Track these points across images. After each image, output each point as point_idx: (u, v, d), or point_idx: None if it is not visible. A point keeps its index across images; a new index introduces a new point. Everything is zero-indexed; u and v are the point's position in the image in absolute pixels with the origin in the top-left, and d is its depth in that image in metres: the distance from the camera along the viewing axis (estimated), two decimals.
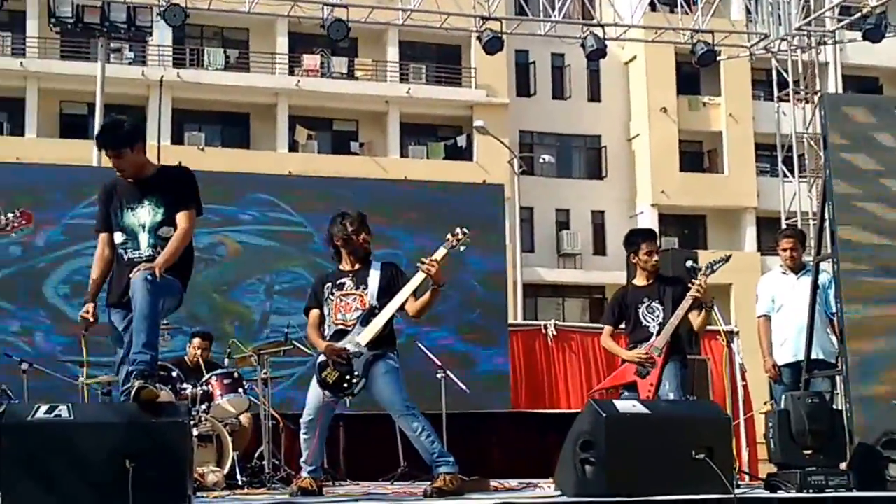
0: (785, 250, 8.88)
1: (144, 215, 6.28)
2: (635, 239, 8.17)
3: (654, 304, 7.95)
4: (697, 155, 37.39)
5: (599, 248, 35.30)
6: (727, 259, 8.06)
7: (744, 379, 13.64)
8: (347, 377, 6.96)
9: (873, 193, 7.90)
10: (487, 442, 10.97)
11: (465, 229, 7.25)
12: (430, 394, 10.07)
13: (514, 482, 8.23)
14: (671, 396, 7.69)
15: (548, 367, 13.63)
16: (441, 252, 7.10)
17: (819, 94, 7.72)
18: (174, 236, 6.21)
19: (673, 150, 35.81)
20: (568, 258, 35.52)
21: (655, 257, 8.06)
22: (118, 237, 6.33)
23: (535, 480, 8.14)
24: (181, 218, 6.26)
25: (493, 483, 7.92)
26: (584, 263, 35.00)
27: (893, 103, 8.07)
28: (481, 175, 29.20)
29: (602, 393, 8.25)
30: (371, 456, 10.06)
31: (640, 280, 8.14)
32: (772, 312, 8.95)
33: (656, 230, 34.72)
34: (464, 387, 10.41)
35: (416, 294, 7.11)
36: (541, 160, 34.86)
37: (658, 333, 7.85)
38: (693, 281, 7.79)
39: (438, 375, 10.22)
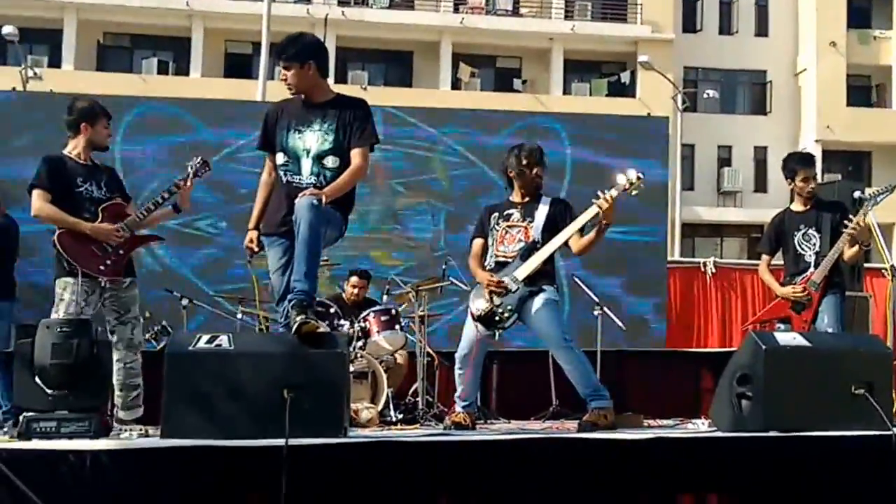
0: None
1: (311, 140, 6.16)
2: (792, 164, 8.01)
3: (810, 231, 7.83)
4: (865, 90, 36.31)
5: (761, 185, 34.66)
6: (892, 188, 7.82)
7: None
8: (499, 310, 6.96)
9: None
10: (641, 380, 10.91)
11: (640, 174, 7.16)
12: (587, 331, 10.10)
13: (668, 421, 8.21)
14: (830, 331, 7.56)
15: (706, 306, 13.51)
16: (614, 191, 7.00)
17: None
18: (347, 171, 6.07)
19: (840, 86, 34.82)
20: (728, 196, 34.96)
21: (812, 184, 7.92)
22: (280, 158, 6.22)
23: (691, 420, 8.08)
24: (356, 155, 6.11)
25: (647, 421, 7.93)
26: (745, 201, 34.43)
27: None
28: (644, 112, 28.92)
29: (756, 326, 8.14)
30: (523, 395, 10.07)
31: (797, 206, 8.00)
32: None
33: (820, 167, 34.08)
34: (620, 324, 10.41)
35: (581, 231, 7.07)
36: (705, 96, 34.24)
37: (815, 264, 7.72)
38: (851, 217, 7.62)
39: (595, 312, 10.22)
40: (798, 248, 7.87)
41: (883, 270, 10.22)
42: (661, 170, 12.46)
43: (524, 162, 7.22)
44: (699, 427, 7.01)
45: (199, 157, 7.30)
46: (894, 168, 34.83)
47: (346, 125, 6.16)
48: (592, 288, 10.49)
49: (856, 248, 7.71)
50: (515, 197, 7.32)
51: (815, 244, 7.82)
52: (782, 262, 8.07)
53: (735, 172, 34.85)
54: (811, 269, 7.75)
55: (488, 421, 8.62)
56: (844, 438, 5.83)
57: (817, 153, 33.71)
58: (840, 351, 6.36)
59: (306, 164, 6.18)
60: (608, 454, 5.61)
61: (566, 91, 33.95)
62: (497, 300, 6.97)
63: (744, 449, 5.75)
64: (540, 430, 7.30)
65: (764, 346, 5.97)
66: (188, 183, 7.16)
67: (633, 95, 33.50)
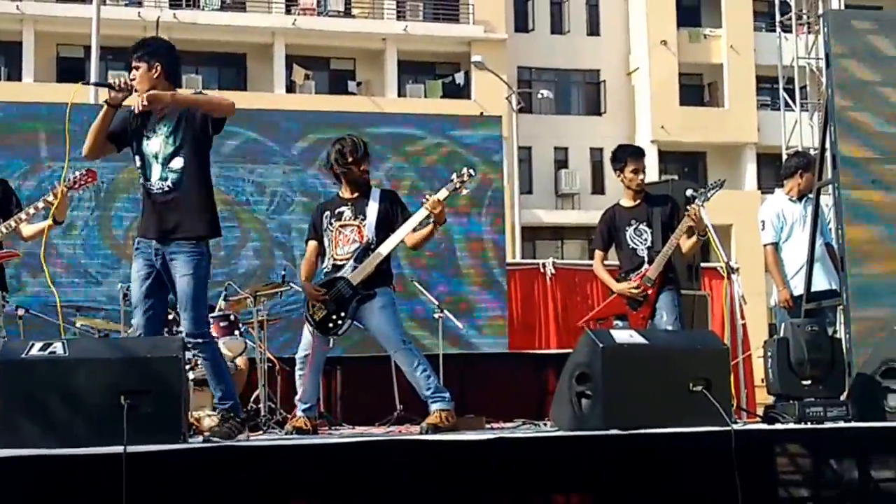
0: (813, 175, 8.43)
1: (158, 145, 6.08)
2: (622, 156, 8.04)
3: (641, 226, 7.87)
4: (698, 88, 37.18)
5: (598, 186, 35.19)
6: (721, 184, 7.93)
7: (743, 317, 13.52)
8: (333, 316, 6.91)
9: (875, 109, 7.74)
10: (483, 382, 10.89)
11: (471, 171, 7.18)
12: (427, 333, 10.02)
13: (510, 423, 8.19)
14: (668, 328, 7.63)
15: (545, 307, 13.55)
16: (444, 192, 7.01)
17: (822, 14, 7.54)
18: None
19: (673, 84, 35.59)
20: (566, 198, 35.40)
21: (641, 176, 7.97)
22: (136, 162, 6.17)
23: (534, 421, 8.08)
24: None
25: (490, 423, 7.89)
26: (583, 203, 34.87)
27: None
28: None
29: (592, 322, 8.16)
30: (367, 400, 9.99)
31: (626, 201, 8.04)
32: (780, 240, 8.66)
33: (656, 167, 34.86)
34: (460, 325, 10.36)
35: (414, 229, 7.05)
36: (539, 96, 34.61)
37: (649, 259, 7.77)
38: (688, 208, 7.67)
39: (436, 315, 10.15)
40: (630, 243, 7.90)
41: (719, 268, 10.37)
42: (497, 172, 12.49)
43: (349, 158, 7.11)
44: (542, 428, 6.99)
45: (85, 170, 7.22)
46: (729, 167, 35.73)
47: (188, 126, 6.08)
48: (432, 290, 10.42)
49: (693, 238, 7.79)
50: (345, 193, 7.23)
51: (646, 239, 7.87)
52: (616, 260, 8.11)
53: (572, 174, 35.30)
54: (645, 265, 7.80)
55: (333, 427, 8.50)
56: (684, 435, 5.84)
57: (653, 154, 34.44)
58: (677, 348, 6.37)
59: (156, 169, 6.10)
60: (449, 456, 5.52)
61: (401, 93, 33.97)
62: (331, 306, 6.88)
63: (585, 448, 5.73)
64: (383, 434, 7.22)
65: (601, 345, 5.94)
66: (59, 194, 6.92)
67: (469, 96, 33.69)
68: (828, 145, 7.69)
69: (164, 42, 6.37)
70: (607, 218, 8.08)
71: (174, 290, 6.06)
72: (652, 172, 34.88)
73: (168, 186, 6.03)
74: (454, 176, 7.12)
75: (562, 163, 35.82)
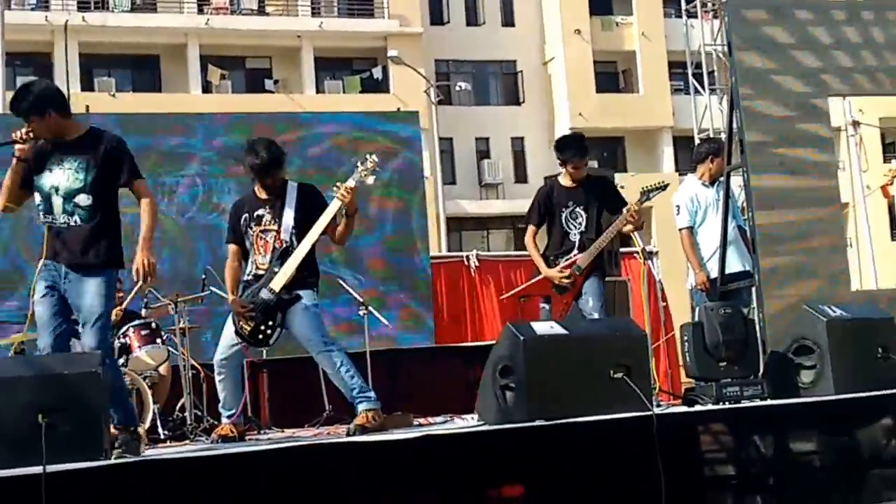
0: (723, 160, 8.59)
1: (61, 178, 5.99)
2: (566, 152, 8.05)
3: (578, 209, 7.91)
4: (613, 76, 37.52)
5: (521, 175, 35.35)
6: (664, 186, 8.04)
7: (664, 299, 13.72)
8: (262, 327, 6.89)
9: (777, 97, 7.93)
10: (412, 378, 10.90)
11: (374, 157, 7.15)
12: (353, 332, 10.01)
13: (439, 418, 8.22)
14: (595, 315, 7.69)
15: (472, 300, 13.58)
16: (352, 181, 6.97)
17: (724, 2, 7.70)
18: (146, 211, 6.09)
19: (588, 72, 35.86)
20: (490, 188, 35.51)
21: (583, 172, 8.03)
22: (36, 198, 6.08)
23: (462, 415, 8.10)
24: (140, 189, 6.15)
25: (417, 419, 7.91)
26: (507, 193, 35.02)
27: (793, 5, 8.00)
28: (400, 107, 29.16)
29: (515, 298, 8.21)
30: (296, 402, 9.92)
31: (566, 181, 8.06)
32: (695, 224, 8.75)
33: None
34: (386, 322, 10.34)
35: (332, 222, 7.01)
36: (457, 88, 34.71)
37: (580, 245, 7.82)
38: (627, 208, 7.77)
39: (361, 313, 10.12)
40: (564, 225, 7.93)
41: (635, 254, 10.50)
42: (417, 166, 12.51)
43: (264, 158, 6.99)
44: (468, 422, 7.02)
45: None
46: (646, 152, 36.14)
47: (100, 162, 6.02)
48: (356, 287, 10.41)
49: (629, 226, 7.84)
50: (261, 193, 7.14)
51: (580, 223, 7.90)
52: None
53: (494, 164, 35.42)
54: (575, 251, 7.84)
55: (261, 431, 8.46)
56: (607, 422, 5.92)
57: None
58: (597, 336, 6.47)
59: (57, 203, 6.02)
60: (376, 457, 5.53)
61: (319, 89, 33.84)
62: (259, 318, 6.87)
63: (511, 440, 5.77)
64: (312, 436, 7.20)
65: (522, 338, 5.99)
66: None
67: (387, 91, 33.65)
68: (735, 131, 7.86)
69: (41, 85, 6.20)
70: (544, 193, 8.08)
71: (78, 314, 6.00)
72: None
73: (74, 221, 5.99)
74: (359, 164, 7.10)
75: (483, 153, 35.93)
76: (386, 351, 10.69)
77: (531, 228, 8.10)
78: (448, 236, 30.95)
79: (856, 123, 16.32)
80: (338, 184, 6.95)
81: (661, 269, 14.16)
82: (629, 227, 7.80)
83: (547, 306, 7.92)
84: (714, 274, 8.53)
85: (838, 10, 8.12)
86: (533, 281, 8.03)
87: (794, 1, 8.02)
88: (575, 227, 7.91)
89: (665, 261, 14.56)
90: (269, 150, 7.01)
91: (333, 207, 6.95)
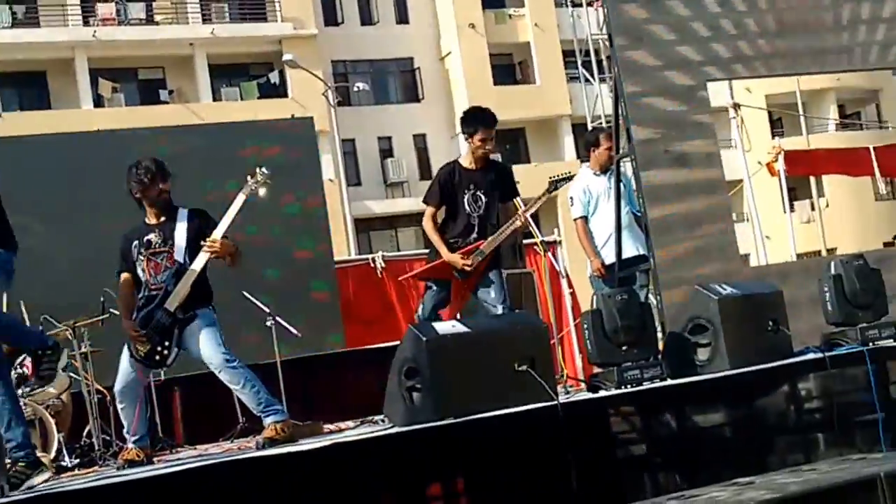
0: (608, 149, 8.75)
1: None
2: (472, 121, 7.88)
3: (479, 192, 7.78)
4: (509, 67, 37.79)
5: (425, 172, 35.42)
6: (570, 177, 8.15)
7: (570, 287, 13.88)
8: (158, 348, 6.81)
9: (659, 87, 8.11)
10: (325, 384, 10.88)
11: (263, 170, 7.09)
12: (262, 342, 9.97)
13: (351, 423, 8.24)
14: (499, 307, 7.68)
15: (381, 301, 13.58)
16: (242, 196, 6.97)
17: None
18: None
19: (485, 66, 36.10)
20: (395, 187, 35.56)
21: (489, 146, 7.82)
22: None
23: (373, 417, 8.11)
24: None
25: (328, 426, 7.92)
26: (413, 190, 35.06)
27: None
28: (299, 111, 29.09)
29: (415, 280, 8.11)
30: (209, 417, 9.79)
31: (467, 162, 7.91)
32: (589, 213, 8.99)
33: None
34: (294, 331, 10.31)
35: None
36: (355, 88, 34.68)
37: (479, 228, 7.76)
38: (522, 211, 7.82)
39: (268, 323, 10.08)
40: (466, 207, 7.79)
41: (535, 246, 10.63)
42: (315, 171, 12.50)
43: (146, 181, 6.92)
44: (379, 426, 7.05)
45: None
46: (548, 141, 36.46)
47: None
48: (261, 297, 10.36)
49: (518, 223, 7.82)
50: (150, 219, 7.06)
51: (481, 206, 7.79)
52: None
53: (398, 163, 35.47)
54: (475, 235, 7.76)
55: (173, 451, 8.39)
56: (516, 414, 6.01)
57: None
58: (498, 332, 6.56)
59: None
60: (287, 467, 5.54)
61: (216, 97, 33.56)
62: (154, 339, 6.81)
63: (422, 441, 5.83)
64: (223, 452, 7.17)
65: (425, 338, 6.05)
66: None
67: (286, 95, 33.53)
68: (621, 120, 8.04)
69: None
70: (446, 173, 7.90)
71: None
72: None
73: None
74: (249, 178, 7.06)
75: (387, 152, 35.97)
76: (296, 359, 10.64)
77: (430, 209, 7.87)
78: (357, 238, 30.92)
79: (736, 105, 16.66)
80: (202, 241, 6.85)
81: (568, 257, 14.33)
82: (518, 223, 7.83)
83: (434, 288, 7.85)
84: (609, 260, 8.73)
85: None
86: (435, 263, 7.85)
87: None
88: (476, 210, 7.79)
89: (571, 249, 14.72)
90: (147, 168, 6.93)
91: (224, 223, 6.87)
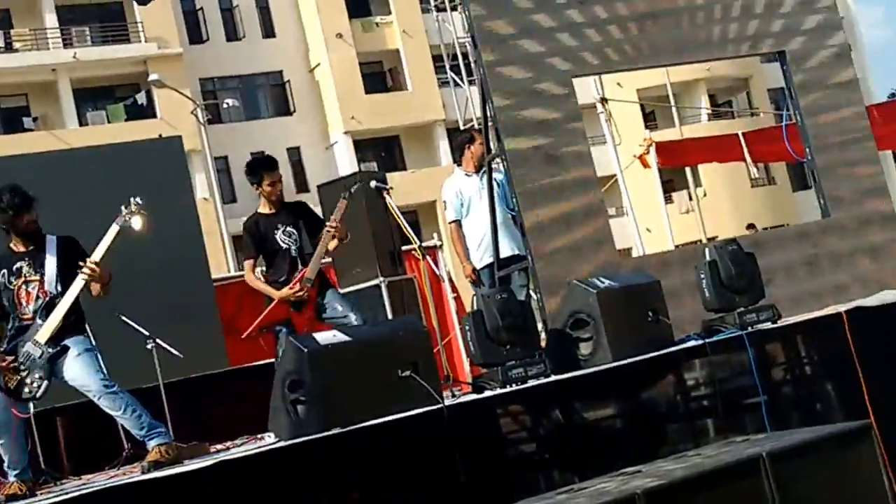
0: (482, 143, 8.79)
1: None
2: (257, 170, 8.14)
3: (289, 228, 8.01)
4: (380, 75, 37.86)
5: (301, 185, 35.30)
6: (383, 179, 8.27)
7: (455, 290, 13.90)
8: (28, 381, 6.66)
9: (524, 86, 8.15)
10: (209, 404, 10.73)
11: (137, 199, 7.05)
12: (144, 366, 9.80)
13: (238, 441, 8.15)
14: (352, 317, 7.80)
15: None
16: (115, 227, 6.88)
17: None
18: None
19: (355, 75, 36.12)
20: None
21: (279, 187, 8.12)
22: None
23: (260, 434, 8.04)
24: None
25: (215, 445, 7.83)
26: None
27: None
28: (169, 131, 28.75)
29: (255, 332, 8.24)
30: (94, 446, 9.63)
31: (265, 209, 8.14)
32: (462, 216, 9.05)
33: (354, 157, 35.32)
34: (176, 352, 10.17)
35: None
36: (225, 105, 34.41)
37: (301, 261, 7.95)
38: (329, 222, 7.93)
39: (149, 346, 9.93)
40: (282, 243, 8.00)
41: (414, 252, 10.63)
42: (187, 191, 12.34)
43: (9, 211, 6.78)
44: (265, 441, 7.00)
45: None
46: (422, 147, 36.58)
47: None
48: (139, 321, 10.19)
49: (335, 241, 7.98)
50: (18, 246, 6.92)
51: (295, 240, 8.01)
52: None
53: None
54: (300, 266, 7.94)
55: (58, 483, 8.21)
56: (402, 420, 6.00)
57: (348, 145, 34.82)
58: (380, 339, 6.54)
59: None
60: (173, 491, 5.46)
61: (82, 122, 33.02)
62: (23, 372, 6.64)
63: (309, 453, 5.78)
64: (110, 479, 7.04)
65: (306, 350, 6.02)
66: None
67: (154, 115, 33.12)
68: (490, 121, 8.08)
69: None
70: (250, 225, 8.15)
71: None
72: (349, 163, 35.28)
73: None
74: (123, 208, 7.00)
75: None
76: (180, 381, 10.48)
77: (247, 263, 8.17)
78: (235, 255, 30.59)
79: (604, 100, 16.89)
80: (80, 262, 6.76)
81: (451, 261, 14.34)
82: (334, 242, 7.98)
83: (284, 329, 7.96)
84: (484, 262, 8.80)
85: None
86: (269, 308, 8.04)
87: None
88: (292, 244, 8.01)
89: (454, 252, 14.75)
90: (11, 198, 6.78)
91: (99, 252, 6.81)
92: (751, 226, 25.93)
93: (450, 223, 9.11)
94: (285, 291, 7.86)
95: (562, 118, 8.24)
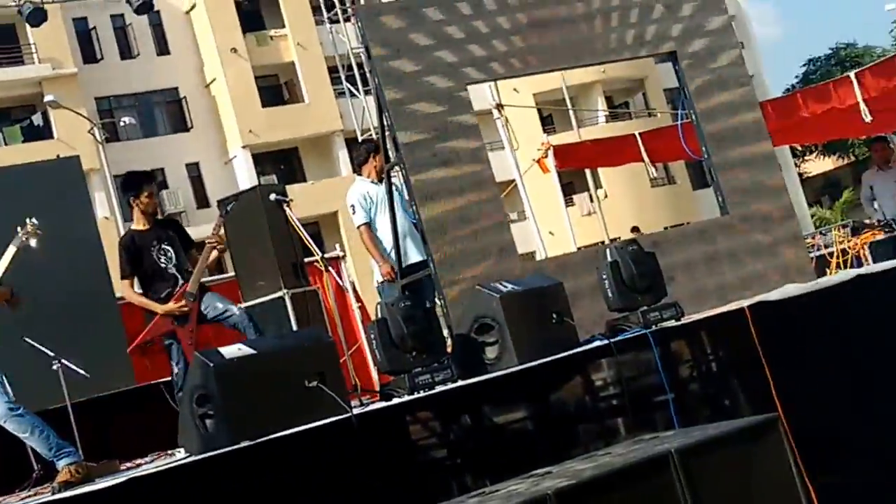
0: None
1: None
2: (136, 182, 8.20)
3: (164, 245, 8.10)
4: (276, 88, 37.78)
5: (201, 200, 35.12)
6: (282, 191, 8.48)
7: (359, 300, 13.92)
8: None
9: (421, 94, 8.21)
10: (120, 422, 10.62)
11: (33, 220, 7.04)
12: (50, 387, 9.67)
13: (148, 458, 8.10)
14: (235, 311, 8.06)
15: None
16: (12, 248, 6.86)
17: (355, 10, 7.92)
18: None
19: (251, 89, 36.01)
20: (174, 217, 35.01)
21: (155, 200, 8.23)
22: None
23: (170, 450, 8.00)
24: None
25: (126, 463, 7.77)
26: (191, 219, 34.62)
27: (421, 4, 8.34)
28: (67, 151, 28.37)
29: (139, 348, 8.28)
30: (4, 468, 9.49)
31: (139, 225, 8.20)
32: (372, 219, 9.09)
33: (253, 171, 35.16)
34: (83, 372, 10.05)
35: None
36: (122, 123, 34.07)
37: (179, 276, 8.05)
38: (209, 235, 8.11)
39: (54, 366, 9.79)
40: (158, 261, 8.08)
41: (316, 263, 10.63)
42: (86, 210, 12.19)
43: None
44: (176, 456, 6.97)
45: None
46: (322, 159, 36.53)
47: None
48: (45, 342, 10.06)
49: (215, 253, 8.16)
50: None
51: (171, 257, 8.10)
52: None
53: (174, 193, 34.98)
54: (180, 282, 8.04)
55: None
56: (311, 430, 6.01)
57: (247, 159, 34.63)
58: (286, 350, 6.55)
59: None
60: None
61: None
62: None
63: (220, 467, 5.76)
64: (20, 501, 6.97)
65: (212, 364, 6.02)
66: None
67: (52, 136, 32.67)
68: (387, 131, 8.12)
69: None
70: (126, 244, 8.16)
71: None
72: (249, 177, 35.12)
73: None
74: (19, 230, 7.00)
75: (161, 184, 35.39)
76: (87, 401, 10.36)
77: (125, 281, 8.19)
78: None
79: (500, 106, 17.03)
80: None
81: (355, 271, 14.36)
82: (215, 252, 8.14)
83: (173, 342, 8.09)
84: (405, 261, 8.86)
85: (464, 2, 8.49)
86: (153, 324, 8.14)
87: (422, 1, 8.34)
88: (168, 261, 8.10)
89: (358, 262, 14.79)
90: None
91: None
92: (635, 229, 26.13)
93: (360, 227, 9.13)
94: (170, 306, 7.97)
95: (458, 123, 8.28)
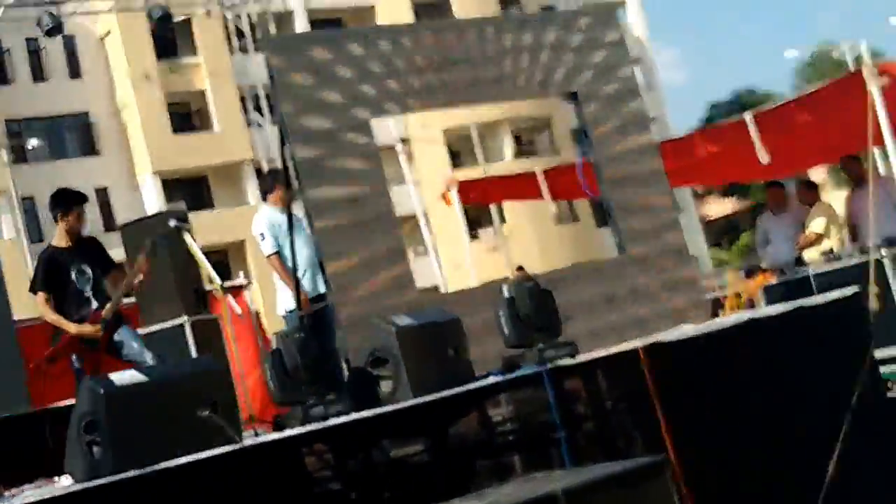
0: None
1: None
2: (68, 200, 8.21)
3: (84, 266, 8.04)
4: (187, 116, 37.62)
5: (110, 224, 34.67)
6: (183, 217, 8.62)
7: (262, 328, 13.86)
8: None
9: (319, 130, 8.25)
10: (11, 448, 10.41)
11: None
12: None
13: (31, 486, 7.93)
14: (147, 356, 7.91)
15: (64, 357, 13.12)
16: None
17: (265, 40, 7.96)
18: None
19: (163, 116, 35.85)
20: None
21: (84, 221, 8.23)
22: None
23: (56, 477, 7.85)
24: None
25: (10, 490, 7.61)
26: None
27: (345, 34, 8.43)
28: None
29: (44, 364, 8.16)
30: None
31: (62, 242, 8.17)
32: (281, 247, 9.03)
33: (162, 198, 34.84)
34: None
35: None
36: (30, 147, 33.70)
37: (95, 299, 8.02)
38: (135, 264, 8.08)
39: None
40: (77, 283, 8.02)
41: (214, 291, 10.56)
42: None
43: None
44: (61, 483, 6.85)
45: None
46: (231, 187, 36.34)
47: None
48: None
49: (140, 276, 8.12)
50: None
51: (89, 279, 8.05)
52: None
53: None
54: (94, 306, 8.01)
55: None
56: (201, 461, 5.93)
57: (157, 185, 34.32)
58: (179, 378, 6.47)
59: None
60: None
61: None
62: None
63: (102, 496, 5.66)
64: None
65: (102, 390, 5.91)
66: None
67: None
68: (287, 161, 8.14)
69: None
70: (47, 259, 8.12)
71: None
72: (158, 203, 34.81)
73: None
74: None
75: None
76: None
77: (41, 296, 8.07)
78: None
79: (404, 140, 17.12)
80: None
81: (261, 299, 14.28)
82: (140, 276, 8.10)
83: (77, 363, 8.01)
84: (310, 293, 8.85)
85: (356, 43, 8.54)
86: (61, 340, 8.06)
87: (327, 35, 8.40)
88: (86, 283, 8.04)
89: (264, 290, 14.72)
90: None
91: None
92: (520, 268, 26.21)
93: (269, 256, 9.08)
94: (85, 328, 7.89)
95: (359, 158, 8.32)
